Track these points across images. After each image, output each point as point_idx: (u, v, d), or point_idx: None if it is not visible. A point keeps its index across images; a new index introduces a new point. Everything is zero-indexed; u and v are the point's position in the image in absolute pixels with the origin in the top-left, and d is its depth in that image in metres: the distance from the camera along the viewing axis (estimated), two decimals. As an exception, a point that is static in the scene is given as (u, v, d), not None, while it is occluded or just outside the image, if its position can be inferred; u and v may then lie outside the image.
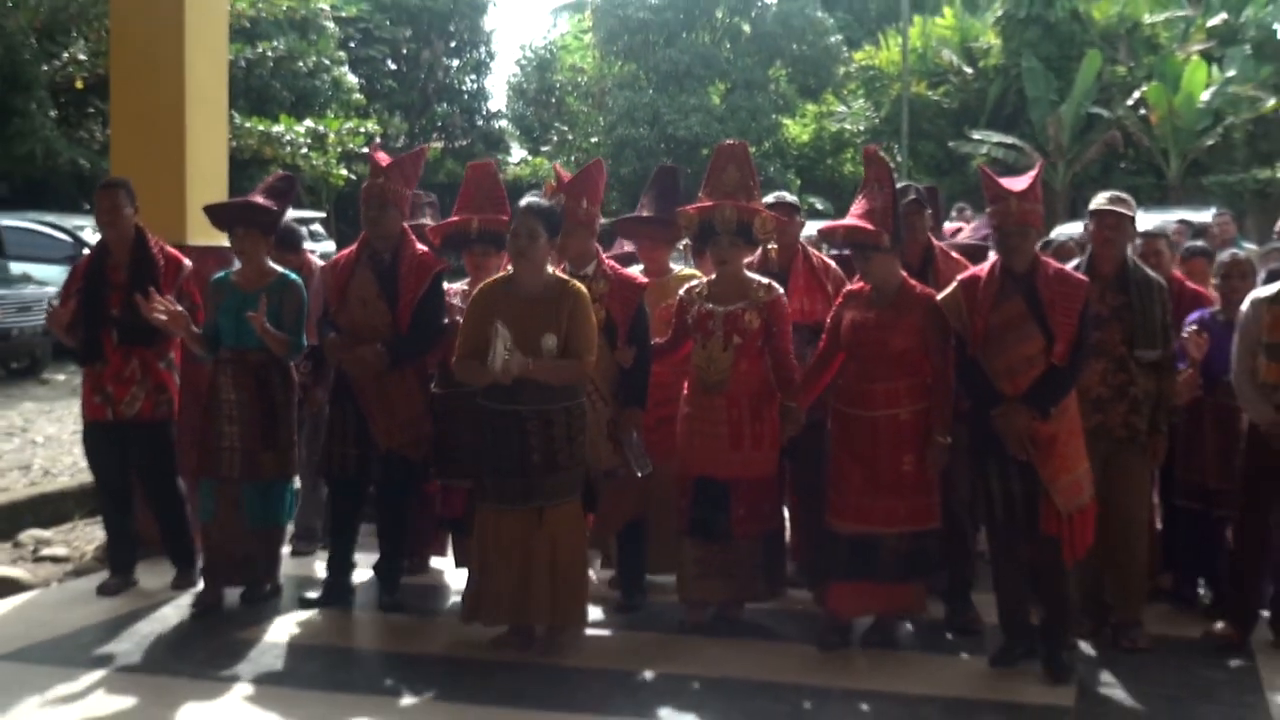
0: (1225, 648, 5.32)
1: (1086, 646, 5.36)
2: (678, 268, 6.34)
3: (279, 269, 5.99)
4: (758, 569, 5.56)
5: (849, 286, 5.46)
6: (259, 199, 5.97)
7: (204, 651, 5.32)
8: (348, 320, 5.71)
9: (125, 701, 4.77)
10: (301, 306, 5.89)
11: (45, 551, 7.10)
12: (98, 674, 5.08)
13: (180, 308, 5.75)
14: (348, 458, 5.80)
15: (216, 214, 6.04)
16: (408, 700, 4.84)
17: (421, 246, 5.86)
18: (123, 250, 6.02)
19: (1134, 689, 4.96)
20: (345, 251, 5.98)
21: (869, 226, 5.19)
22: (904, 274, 5.31)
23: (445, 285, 5.91)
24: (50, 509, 7.89)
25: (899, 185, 5.73)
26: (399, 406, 5.73)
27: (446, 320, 5.76)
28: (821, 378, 5.42)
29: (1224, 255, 6.14)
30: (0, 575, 6.46)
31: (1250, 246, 8.35)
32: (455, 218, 5.92)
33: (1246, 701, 4.88)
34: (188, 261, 6.11)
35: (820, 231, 5.94)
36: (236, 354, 5.82)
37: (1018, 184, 5.02)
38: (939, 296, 5.15)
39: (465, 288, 5.88)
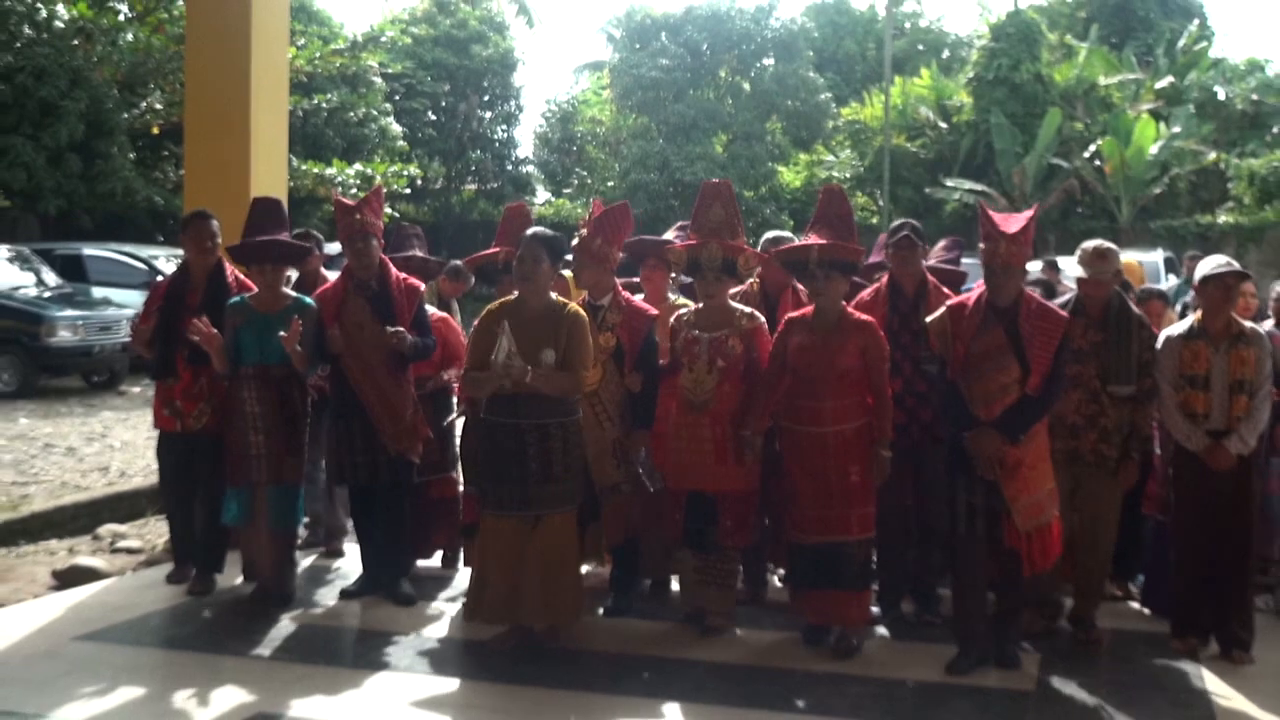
0: (1180, 649, 5.22)
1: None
2: (674, 297, 6.15)
3: (293, 294, 5.91)
4: (743, 576, 5.44)
5: (790, 314, 5.31)
6: (284, 236, 5.91)
7: (258, 634, 5.32)
8: (346, 342, 5.66)
9: (188, 677, 4.77)
10: (316, 326, 5.71)
11: (121, 544, 7.12)
12: (165, 653, 5.12)
13: (214, 330, 5.61)
14: (359, 466, 5.75)
15: (245, 251, 5.83)
16: (435, 679, 4.83)
17: (399, 272, 5.86)
18: (202, 276, 5.99)
19: (1087, 677, 4.94)
20: (329, 285, 5.93)
21: (852, 245, 5.08)
22: (843, 301, 5.17)
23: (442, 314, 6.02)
24: (126, 506, 7.94)
25: (895, 223, 5.67)
26: (400, 411, 5.70)
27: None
28: (770, 401, 5.21)
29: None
30: (82, 565, 6.48)
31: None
32: (489, 251, 5.90)
33: (1191, 688, 4.86)
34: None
35: (781, 252, 5.48)
36: (260, 370, 5.67)
37: (1012, 225, 4.82)
38: (928, 319, 5.04)
39: None
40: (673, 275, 6.01)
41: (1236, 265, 5.27)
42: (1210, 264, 5.27)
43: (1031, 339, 4.74)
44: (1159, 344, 5.29)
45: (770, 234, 6.13)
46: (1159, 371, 5.24)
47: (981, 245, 4.89)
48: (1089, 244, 5.42)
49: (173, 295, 6.01)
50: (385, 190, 22.18)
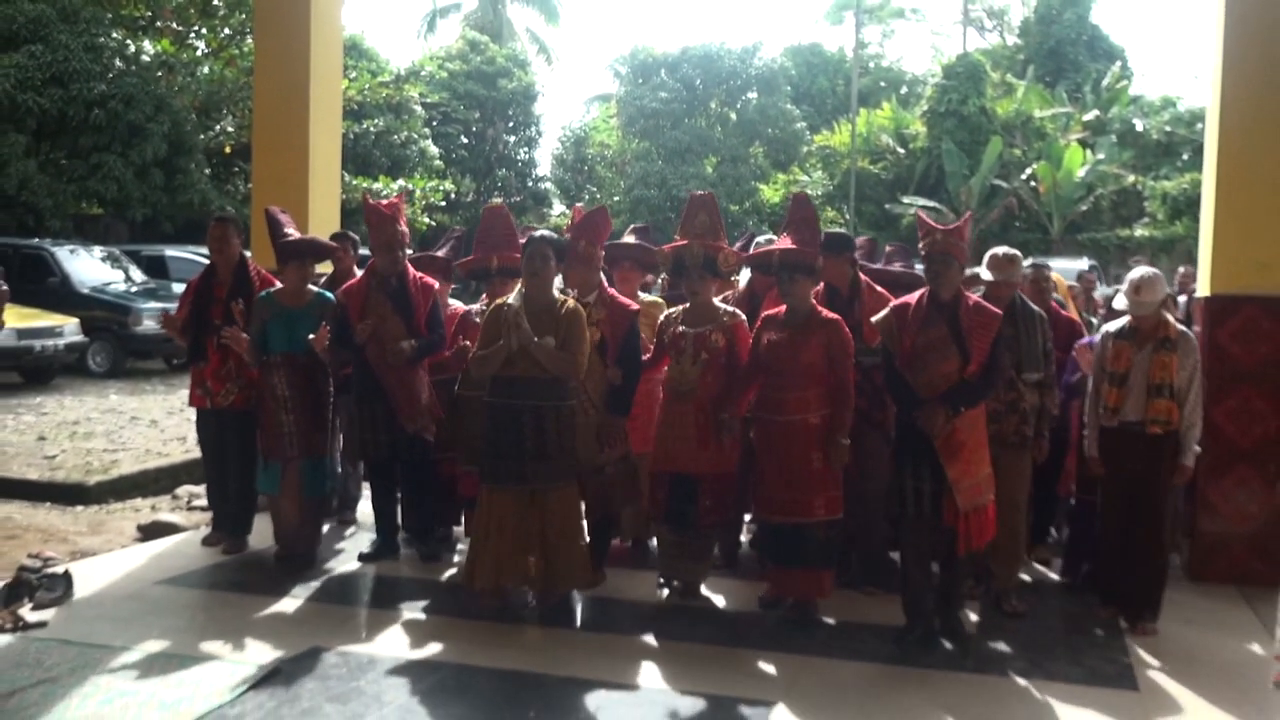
0: (1104, 617, 5.04)
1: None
2: (645, 296, 5.90)
3: (315, 289, 5.70)
4: (716, 550, 5.17)
5: (766, 312, 4.99)
6: (316, 237, 5.75)
7: (312, 582, 5.35)
8: (370, 333, 5.51)
9: (251, 616, 4.80)
10: (335, 318, 5.52)
11: (196, 503, 7.14)
12: (232, 596, 5.13)
13: (242, 334, 5.53)
14: (380, 444, 5.58)
15: (285, 250, 5.60)
16: (455, 620, 4.80)
17: (416, 272, 5.67)
18: (227, 272, 5.83)
19: (1020, 623, 4.94)
20: (354, 281, 5.72)
21: (807, 249, 4.84)
22: (813, 301, 4.87)
23: (467, 306, 5.78)
24: (200, 470, 7.86)
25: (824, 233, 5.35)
26: (417, 395, 5.56)
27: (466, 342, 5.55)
28: (747, 390, 4.96)
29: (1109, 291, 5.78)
30: (163, 520, 6.51)
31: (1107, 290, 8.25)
32: (476, 255, 5.64)
33: (1110, 631, 4.86)
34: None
35: (753, 256, 5.31)
36: (288, 358, 5.48)
37: (948, 225, 4.67)
38: (873, 319, 4.80)
39: (484, 308, 5.61)
40: (648, 278, 5.83)
41: (1151, 274, 5.02)
42: (1136, 274, 5.02)
43: (971, 331, 4.51)
44: (1096, 338, 5.14)
45: (761, 236, 6.02)
46: (1093, 365, 5.06)
47: (921, 243, 4.67)
48: (998, 250, 5.21)
49: (202, 290, 5.86)
50: (425, 202, 22.21)
